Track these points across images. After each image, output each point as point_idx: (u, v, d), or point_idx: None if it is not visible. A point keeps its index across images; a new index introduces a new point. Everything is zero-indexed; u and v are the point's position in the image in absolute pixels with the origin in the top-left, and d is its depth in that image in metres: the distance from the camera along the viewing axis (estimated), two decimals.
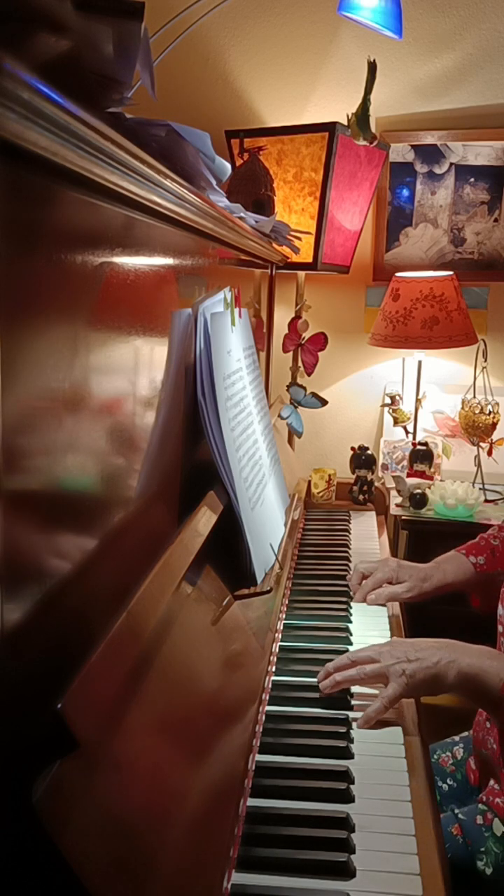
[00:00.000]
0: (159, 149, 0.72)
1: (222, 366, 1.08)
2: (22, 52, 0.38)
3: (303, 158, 1.98)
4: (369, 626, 1.28)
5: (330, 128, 1.92)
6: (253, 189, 1.70)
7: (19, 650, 0.49)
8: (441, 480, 2.14)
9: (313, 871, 0.73)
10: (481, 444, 2.21)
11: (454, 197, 2.28)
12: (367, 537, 1.78)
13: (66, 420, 0.57)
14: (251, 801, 0.81)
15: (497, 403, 2.18)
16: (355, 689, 1.03)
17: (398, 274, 2.15)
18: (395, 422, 2.26)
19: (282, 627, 1.23)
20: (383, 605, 1.34)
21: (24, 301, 0.48)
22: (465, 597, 1.41)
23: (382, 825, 0.80)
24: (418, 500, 2.03)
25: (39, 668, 0.52)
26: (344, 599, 1.37)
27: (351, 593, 1.37)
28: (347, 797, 0.84)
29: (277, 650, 1.15)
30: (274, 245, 1.66)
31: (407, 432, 2.27)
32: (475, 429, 2.18)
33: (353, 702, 1.02)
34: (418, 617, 1.47)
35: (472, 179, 2.26)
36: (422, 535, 2.05)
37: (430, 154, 2.26)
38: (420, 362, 2.21)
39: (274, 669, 1.09)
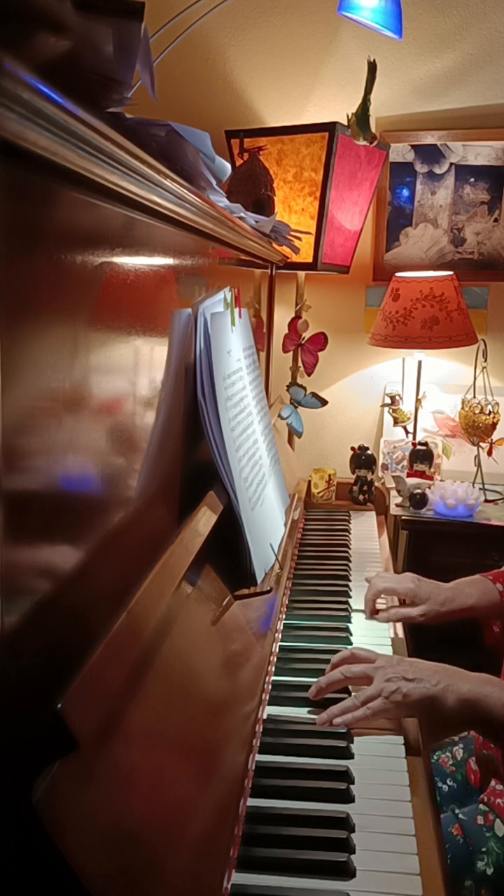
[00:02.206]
0: (159, 149, 0.72)
1: (222, 366, 1.08)
2: (22, 52, 0.38)
3: (303, 158, 1.98)
4: (369, 627, 1.28)
5: (330, 128, 1.92)
6: (253, 189, 1.70)
7: (19, 650, 0.49)
8: (441, 480, 2.14)
9: (313, 871, 0.73)
10: (481, 444, 2.21)
11: (454, 197, 2.28)
12: (367, 537, 1.78)
13: (66, 420, 0.57)
14: (251, 801, 0.81)
15: (497, 403, 2.18)
16: (354, 688, 1.03)
17: (398, 274, 2.15)
18: (395, 422, 2.26)
19: (282, 627, 1.23)
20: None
21: (24, 301, 0.48)
22: (479, 628, 1.36)
23: (382, 825, 0.80)
24: (418, 500, 2.03)
25: (39, 668, 0.52)
26: (344, 599, 1.37)
27: (365, 610, 1.32)
28: (347, 797, 0.84)
29: (277, 650, 1.15)
30: (274, 245, 1.66)
31: (407, 432, 2.27)
32: (475, 429, 2.18)
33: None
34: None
35: (472, 179, 2.26)
36: (422, 535, 2.05)
37: (430, 154, 2.26)
38: (420, 362, 2.21)
39: (274, 669, 1.09)
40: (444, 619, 1.27)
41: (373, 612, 1.30)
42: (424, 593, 1.28)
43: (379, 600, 1.33)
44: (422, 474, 2.14)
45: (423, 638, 1.41)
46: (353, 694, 0.99)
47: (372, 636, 1.25)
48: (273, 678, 1.07)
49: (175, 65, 2.15)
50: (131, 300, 0.73)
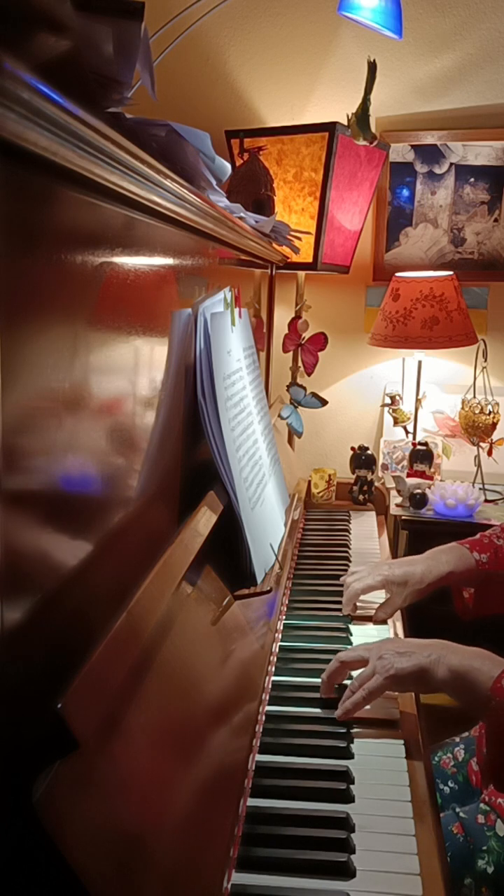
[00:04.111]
0: (159, 149, 0.72)
1: (222, 366, 1.08)
2: (22, 52, 0.38)
3: (303, 158, 1.98)
4: (369, 627, 1.28)
5: (330, 128, 1.92)
6: (253, 189, 1.70)
7: (19, 650, 0.49)
8: (441, 480, 2.14)
9: (313, 871, 0.73)
10: (481, 444, 2.21)
11: (454, 197, 2.28)
12: (367, 537, 1.78)
13: (66, 420, 0.57)
14: (251, 801, 0.81)
15: (497, 403, 2.18)
16: None
17: (398, 274, 2.15)
18: (395, 422, 2.26)
19: (282, 627, 1.23)
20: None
21: (24, 301, 0.48)
22: (450, 596, 1.37)
23: (382, 825, 0.80)
24: (418, 500, 2.03)
25: (39, 668, 0.52)
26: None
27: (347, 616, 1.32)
28: (347, 797, 0.84)
29: (277, 650, 1.15)
30: (274, 245, 1.66)
31: (407, 432, 2.27)
32: (475, 429, 2.18)
33: None
34: (418, 616, 1.46)
35: (472, 179, 2.26)
36: (422, 535, 2.05)
37: (430, 154, 2.26)
38: (420, 362, 2.21)
39: (274, 669, 1.09)
40: (425, 594, 1.29)
41: (355, 617, 1.29)
42: (400, 578, 1.28)
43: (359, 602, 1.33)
44: (422, 474, 2.14)
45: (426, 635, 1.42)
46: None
47: (372, 636, 1.25)
48: (273, 678, 1.07)
49: (175, 65, 2.15)
50: (131, 300, 0.73)
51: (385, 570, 1.29)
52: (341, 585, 1.40)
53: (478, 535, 1.37)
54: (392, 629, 1.28)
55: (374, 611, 1.32)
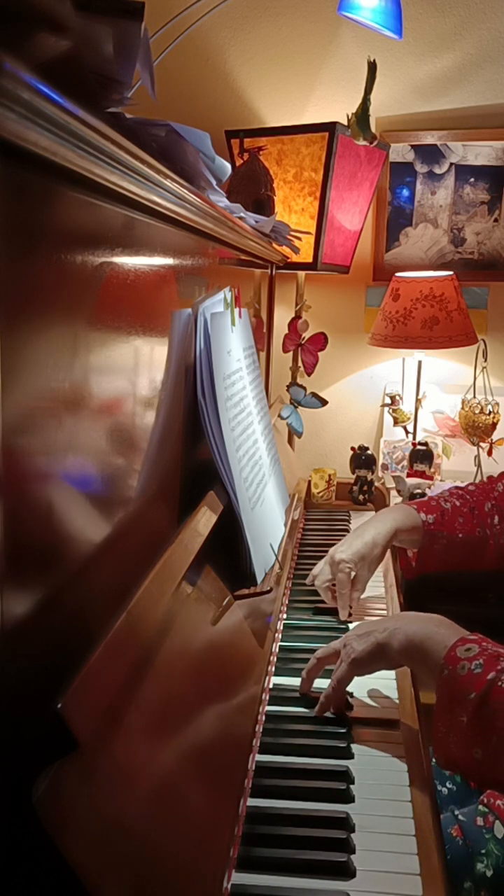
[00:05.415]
0: (159, 149, 0.72)
1: (222, 366, 1.08)
2: (22, 52, 0.38)
3: (303, 158, 1.98)
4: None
5: (330, 128, 1.92)
6: (253, 189, 1.70)
7: (19, 650, 0.49)
8: (441, 480, 2.14)
9: (313, 871, 0.73)
10: (481, 444, 2.21)
11: (454, 197, 2.28)
12: None
13: (66, 420, 0.57)
14: (251, 801, 0.81)
15: (497, 403, 2.18)
16: (353, 687, 1.03)
17: (398, 274, 2.15)
18: (395, 422, 2.26)
19: (282, 627, 1.23)
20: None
21: (24, 301, 0.48)
22: (450, 596, 1.39)
23: (382, 825, 0.80)
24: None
25: (40, 668, 0.52)
26: None
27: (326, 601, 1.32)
28: (347, 797, 0.84)
29: (277, 650, 1.15)
30: (274, 245, 1.66)
31: (407, 432, 2.27)
32: (475, 429, 2.18)
33: (353, 701, 1.02)
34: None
35: (472, 179, 2.26)
36: None
37: (430, 154, 2.26)
38: (420, 362, 2.21)
39: (274, 669, 1.09)
40: (384, 555, 1.31)
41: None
42: (355, 554, 1.28)
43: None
44: (422, 474, 2.14)
45: None
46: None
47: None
48: (273, 678, 1.07)
49: (175, 65, 2.15)
50: (131, 300, 0.73)
51: (339, 554, 1.30)
52: None
53: (426, 497, 1.39)
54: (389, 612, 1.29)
55: (374, 611, 1.32)
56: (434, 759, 0.88)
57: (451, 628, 0.91)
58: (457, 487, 1.42)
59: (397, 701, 1.03)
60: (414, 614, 0.96)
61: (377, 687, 1.05)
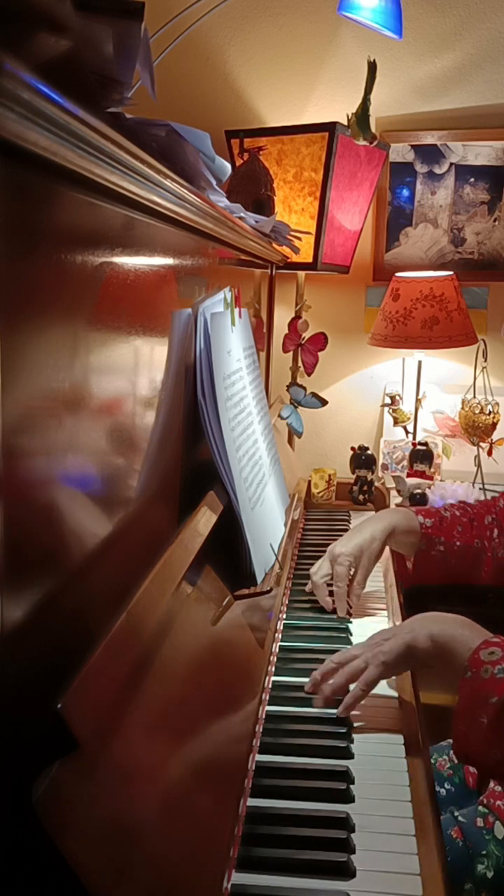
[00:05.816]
0: (159, 149, 0.72)
1: (222, 366, 1.08)
2: (22, 52, 0.38)
3: (303, 158, 1.98)
4: (369, 626, 1.28)
5: (330, 128, 1.92)
6: (253, 189, 1.70)
7: (19, 650, 0.49)
8: (441, 480, 2.14)
9: (313, 871, 0.73)
10: (481, 444, 2.21)
11: (454, 197, 2.28)
12: None
13: (66, 420, 0.57)
14: (251, 801, 0.81)
15: (497, 403, 2.18)
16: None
17: (398, 274, 2.15)
18: (395, 422, 2.25)
19: (282, 627, 1.23)
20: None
21: (24, 301, 0.48)
22: (454, 598, 1.39)
23: (382, 825, 0.80)
24: (418, 500, 2.03)
25: (39, 668, 0.52)
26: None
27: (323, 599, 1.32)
28: (347, 797, 0.83)
29: (277, 650, 1.15)
30: (274, 245, 1.66)
31: (407, 432, 2.27)
32: (475, 429, 2.18)
33: None
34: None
35: (472, 179, 2.26)
36: None
37: (430, 154, 2.26)
38: (420, 362, 2.21)
39: (274, 669, 1.09)
40: (382, 551, 1.32)
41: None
42: (354, 549, 1.30)
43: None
44: (422, 474, 2.14)
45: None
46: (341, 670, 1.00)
47: (370, 624, 1.27)
48: (273, 678, 1.07)
49: (175, 65, 2.15)
50: (131, 300, 0.73)
51: (338, 548, 1.31)
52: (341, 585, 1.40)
53: (427, 506, 1.40)
54: (391, 621, 1.29)
55: (374, 611, 1.32)
56: (452, 752, 0.89)
57: (475, 630, 0.93)
58: (460, 501, 1.42)
59: (397, 701, 1.03)
60: (437, 615, 0.97)
61: (377, 687, 1.05)
